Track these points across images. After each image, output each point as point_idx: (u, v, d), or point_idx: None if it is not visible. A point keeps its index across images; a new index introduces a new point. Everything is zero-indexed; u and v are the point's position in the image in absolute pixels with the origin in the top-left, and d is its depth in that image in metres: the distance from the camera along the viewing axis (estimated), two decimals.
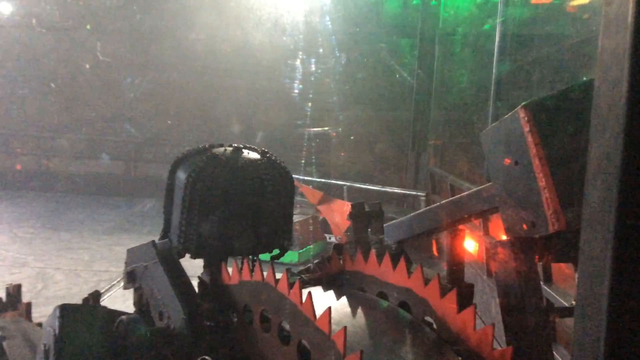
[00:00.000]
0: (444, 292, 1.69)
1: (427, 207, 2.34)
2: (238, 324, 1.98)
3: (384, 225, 2.40)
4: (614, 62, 0.80)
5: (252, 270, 1.90)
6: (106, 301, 2.69)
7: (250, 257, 2.34)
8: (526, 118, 1.60)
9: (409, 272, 1.82)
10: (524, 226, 1.66)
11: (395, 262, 1.90)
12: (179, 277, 2.21)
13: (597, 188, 0.82)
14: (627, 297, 0.79)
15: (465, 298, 1.97)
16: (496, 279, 1.76)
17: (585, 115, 1.57)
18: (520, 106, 1.62)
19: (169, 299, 2.15)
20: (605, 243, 0.79)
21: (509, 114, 1.67)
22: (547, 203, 1.56)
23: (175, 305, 2.11)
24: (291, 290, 1.65)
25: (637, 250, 0.78)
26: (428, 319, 1.78)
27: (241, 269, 1.97)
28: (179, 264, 2.27)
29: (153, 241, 2.31)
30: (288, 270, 2.33)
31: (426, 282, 1.75)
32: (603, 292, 0.79)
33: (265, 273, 1.87)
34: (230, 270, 2.04)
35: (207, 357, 1.91)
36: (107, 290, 7.36)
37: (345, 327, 1.42)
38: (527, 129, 1.60)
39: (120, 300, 6.44)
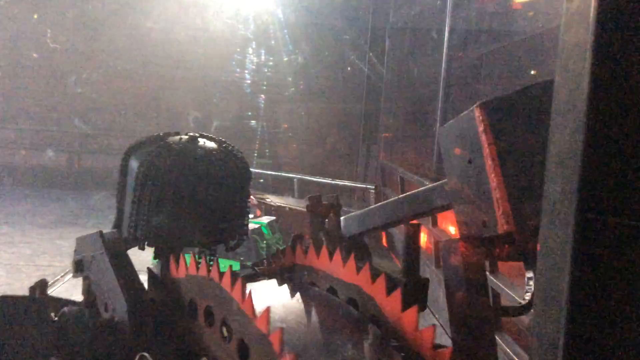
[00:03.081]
0: (390, 291, 1.69)
1: (385, 201, 2.34)
2: (183, 318, 1.93)
3: (344, 217, 2.40)
4: (575, 58, 0.80)
5: (207, 264, 1.86)
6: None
7: (204, 249, 2.30)
8: (481, 117, 1.59)
9: (358, 269, 1.81)
10: (476, 225, 1.66)
11: (349, 256, 1.89)
12: (124, 269, 2.13)
13: (557, 183, 0.83)
14: (587, 293, 0.79)
15: (421, 292, 1.98)
16: (444, 275, 1.77)
17: (541, 116, 1.58)
18: (475, 105, 1.61)
19: (114, 291, 2.08)
20: (565, 238, 0.80)
21: (465, 112, 1.66)
22: (497, 203, 1.56)
23: (119, 297, 2.04)
24: (234, 287, 1.62)
25: (596, 246, 0.79)
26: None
27: (192, 262, 1.93)
28: (126, 256, 2.19)
29: (100, 231, 2.23)
30: (242, 263, 2.32)
31: (374, 279, 1.74)
32: (562, 288, 0.80)
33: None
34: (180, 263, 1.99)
35: (145, 354, 1.86)
36: (51, 286, 7.12)
37: (282, 329, 1.42)
38: (481, 128, 1.59)
39: (64, 295, 6.23)
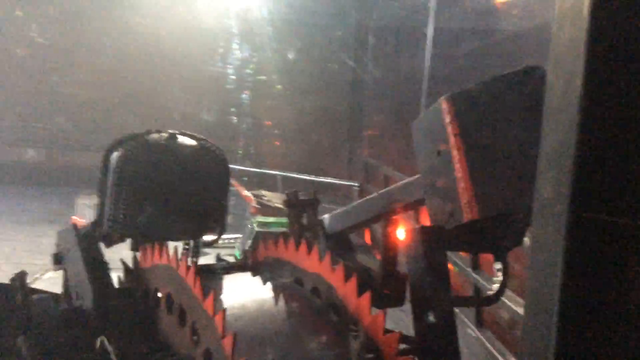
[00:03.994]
0: (347, 278, 1.75)
1: (365, 198, 2.36)
2: (148, 305, 2.02)
3: (328, 215, 2.41)
4: (568, 55, 0.79)
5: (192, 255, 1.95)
6: None
7: (187, 242, 2.39)
8: (447, 109, 1.62)
9: (320, 259, 1.88)
10: (444, 216, 1.68)
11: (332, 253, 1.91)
12: (93, 260, 2.24)
13: (550, 180, 0.82)
14: (579, 291, 0.79)
15: (400, 286, 2.01)
16: (407, 268, 1.79)
17: (507, 107, 1.60)
18: (442, 97, 1.64)
19: (83, 281, 2.19)
20: (557, 236, 0.79)
21: (434, 105, 1.69)
22: (462, 193, 1.58)
23: (87, 286, 2.15)
24: (188, 273, 1.69)
25: (588, 244, 0.78)
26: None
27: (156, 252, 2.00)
28: (98, 248, 2.31)
29: (75, 224, 2.37)
30: (217, 256, 2.37)
31: (333, 268, 1.81)
32: (554, 286, 0.79)
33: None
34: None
35: (104, 338, 1.95)
36: (30, 284, 7.02)
37: (224, 309, 1.49)
38: (447, 119, 1.62)
39: None
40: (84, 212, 10.89)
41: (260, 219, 8.61)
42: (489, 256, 1.95)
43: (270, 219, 8.70)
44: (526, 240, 1.83)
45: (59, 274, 2.55)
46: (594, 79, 0.77)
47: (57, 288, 2.54)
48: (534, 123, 1.54)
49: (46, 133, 14.76)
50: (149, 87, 14.22)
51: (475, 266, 5.54)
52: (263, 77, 14.42)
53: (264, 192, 10.15)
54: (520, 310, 4.41)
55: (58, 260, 2.43)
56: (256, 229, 7.91)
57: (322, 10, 14.14)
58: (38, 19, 14.22)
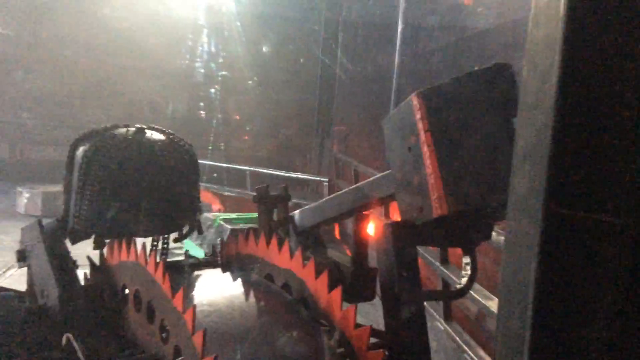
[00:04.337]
0: (318, 273, 1.77)
1: (335, 194, 2.36)
2: (115, 303, 2.00)
3: (298, 211, 2.41)
4: (544, 52, 0.79)
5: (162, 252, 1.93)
6: None
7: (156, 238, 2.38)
8: (418, 105, 1.63)
9: (292, 255, 1.89)
10: (414, 211, 1.70)
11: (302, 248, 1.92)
12: (58, 257, 2.20)
13: (524, 178, 0.82)
14: (553, 287, 0.79)
15: (370, 281, 2.02)
16: (377, 263, 1.81)
17: (477, 104, 1.62)
18: (414, 93, 1.65)
19: (48, 278, 2.15)
20: (532, 232, 0.79)
21: (405, 101, 1.70)
22: (432, 188, 1.60)
23: (52, 284, 2.12)
24: (156, 271, 1.69)
25: (563, 240, 0.79)
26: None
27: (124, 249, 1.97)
28: (63, 244, 2.27)
29: (39, 220, 2.31)
30: (186, 253, 2.34)
31: (305, 264, 1.82)
32: (529, 281, 0.79)
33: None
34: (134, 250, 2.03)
35: (69, 335, 1.92)
36: None
37: (194, 306, 1.48)
38: (418, 116, 1.63)
39: None
40: (22, 201, 10.83)
41: (223, 215, 8.55)
42: (458, 249, 1.97)
43: (233, 215, 8.65)
44: (494, 234, 1.86)
45: (23, 271, 2.49)
46: (569, 76, 0.78)
47: (20, 285, 2.48)
48: (503, 120, 1.57)
49: (10, 128, 14.39)
50: (116, 80, 13.98)
51: (444, 259, 5.60)
52: (232, 72, 14.32)
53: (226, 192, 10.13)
54: (488, 304, 4.48)
55: (22, 257, 2.38)
56: (228, 226, 7.85)
57: (293, 5, 14.10)
58: (2, 9, 13.84)
